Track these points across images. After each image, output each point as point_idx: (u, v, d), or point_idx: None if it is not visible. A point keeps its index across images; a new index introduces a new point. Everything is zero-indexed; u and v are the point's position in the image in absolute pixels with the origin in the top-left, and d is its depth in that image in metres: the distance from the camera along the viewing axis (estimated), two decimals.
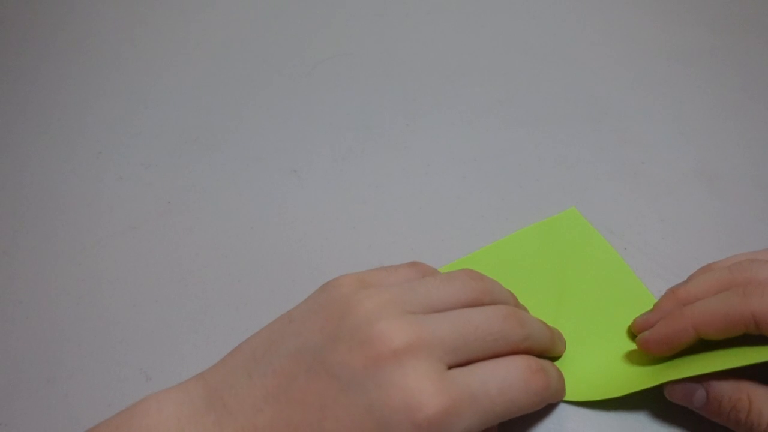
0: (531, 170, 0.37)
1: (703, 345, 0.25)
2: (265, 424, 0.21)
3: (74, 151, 0.40)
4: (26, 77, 0.45)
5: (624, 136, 0.39)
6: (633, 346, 0.28)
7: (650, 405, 0.27)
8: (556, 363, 0.28)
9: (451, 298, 0.24)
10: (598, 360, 0.28)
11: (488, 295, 0.25)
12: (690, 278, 0.29)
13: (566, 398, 0.27)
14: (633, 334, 0.29)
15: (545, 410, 0.27)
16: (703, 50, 0.45)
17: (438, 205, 0.36)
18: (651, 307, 0.28)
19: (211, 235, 0.35)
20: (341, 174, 0.38)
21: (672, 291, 0.27)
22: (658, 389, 0.26)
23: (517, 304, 0.28)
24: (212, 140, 0.40)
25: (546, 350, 0.26)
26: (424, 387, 0.20)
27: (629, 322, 0.29)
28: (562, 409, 0.27)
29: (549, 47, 0.46)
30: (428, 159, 0.38)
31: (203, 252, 0.34)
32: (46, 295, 0.33)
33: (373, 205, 0.36)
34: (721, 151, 0.38)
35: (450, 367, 0.22)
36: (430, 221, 0.35)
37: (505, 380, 0.22)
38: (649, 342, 0.26)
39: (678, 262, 0.32)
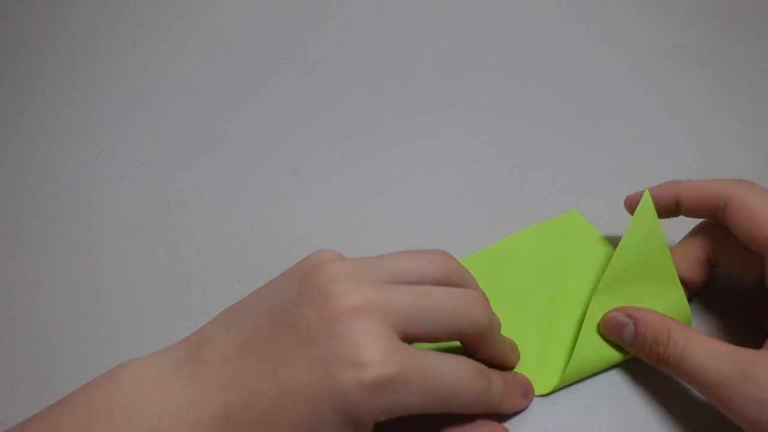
0: (531, 170, 0.37)
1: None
2: (230, 372, 0.22)
3: (74, 151, 0.40)
4: (26, 77, 0.45)
5: (624, 136, 0.39)
6: None
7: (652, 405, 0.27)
8: (553, 358, 0.28)
9: (418, 271, 0.24)
10: (600, 359, 0.28)
11: (458, 275, 0.25)
12: None
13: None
14: None
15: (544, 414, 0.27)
16: (704, 50, 0.45)
17: (438, 205, 0.36)
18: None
19: (211, 235, 0.35)
20: (341, 174, 0.38)
21: None
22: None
23: None
24: (212, 140, 0.40)
25: (501, 354, 0.27)
26: (375, 347, 0.20)
27: None
28: (562, 410, 0.27)
29: (549, 47, 0.46)
30: (428, 159, 0.38)
31: (203, 252, 0.34)
32: (46, 295, 0.33)
33: (373, 205, 0.36)
34: (721, 151, 0.38)
35: (405, 339, 0.22)
36: (430, 221, 0.35)
37: (454, 368, 0.23)
38: (632, 200, 0.30)
39: None
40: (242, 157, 0.39)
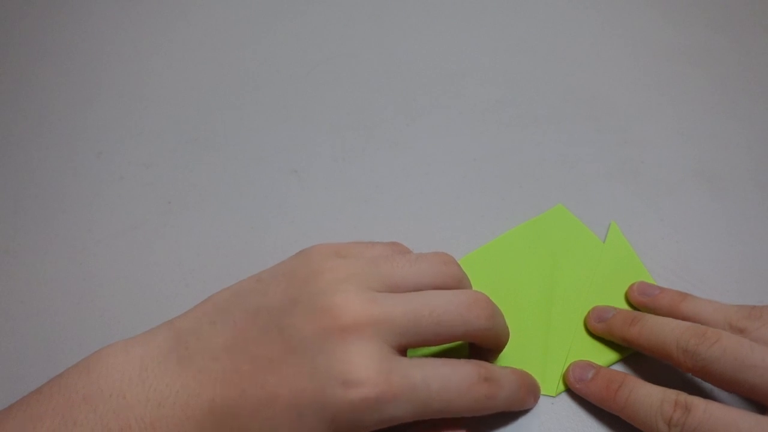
0: (531, 170, 0.37)
1: None
2: (218, 370, 0.22)
3: (74, 151, 0.40)
4: (26, 77, 0.45)
5: (624, 136, 0.39)
6: None
7: None
8: (554, 359, 0.28)
9: (415, 279, 0.24)
10: (593, 354, 0.28)
11: (456, 282, 0.25)
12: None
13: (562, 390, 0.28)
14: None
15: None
16: (704, 50, 0.45)
17: (438, 205, 0.36)
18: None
19: (211, 235, 0.35)
20: (341, 174, 0.38)
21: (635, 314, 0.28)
22: None
23: None
24: (212, 140, 0.40)
25: (501, 347, 0.26)
26: (365, 366, 0.21)
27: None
28: (560, 409, 0.27)
29: (549, 47, 0.46)
30: (428, 159, 0.38)
31: (203, 252, 0.34)
32: (46, 295, 0.33)
33: (373, 204, 0.36)
34: (721, 151, 0.38)
35: (400, 349, 0.22)
36: (430, 221, 0.35)
37: (448, 380, 0.22)
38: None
39: (678, 262, 0.32)
40: (242, 157, 0.39)
